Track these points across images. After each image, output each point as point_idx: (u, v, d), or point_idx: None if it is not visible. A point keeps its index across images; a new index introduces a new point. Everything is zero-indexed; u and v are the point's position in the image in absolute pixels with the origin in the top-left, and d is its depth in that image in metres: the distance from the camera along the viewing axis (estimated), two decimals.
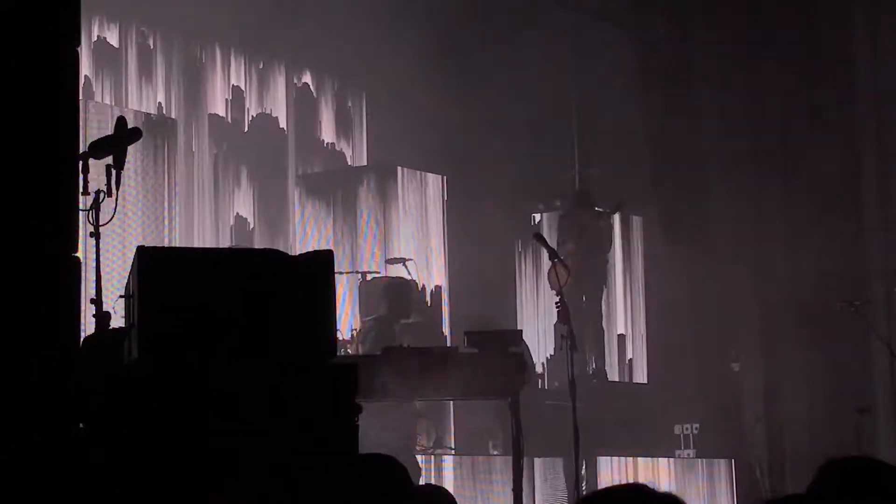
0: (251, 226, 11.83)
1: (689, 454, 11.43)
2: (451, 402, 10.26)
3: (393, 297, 9.08)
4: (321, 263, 4.82)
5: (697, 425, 11.50)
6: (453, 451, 9.78)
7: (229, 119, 11.79)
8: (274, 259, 4.89)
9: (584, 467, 8.25)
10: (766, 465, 11.79)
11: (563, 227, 11.28)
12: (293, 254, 5.32)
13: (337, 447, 4.59)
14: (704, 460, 11.08)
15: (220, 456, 4.41)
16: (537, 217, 12.70)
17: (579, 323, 8.63)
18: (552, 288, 7.83)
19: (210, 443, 4.41)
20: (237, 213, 11.76)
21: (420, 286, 10.87)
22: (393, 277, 10.49)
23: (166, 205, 10.44)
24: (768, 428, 11.92)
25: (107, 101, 10.75)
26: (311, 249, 8.82)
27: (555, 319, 10.42)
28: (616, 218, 12.10)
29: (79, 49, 4.13)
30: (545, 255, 10.21)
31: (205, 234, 11.34)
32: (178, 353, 4.54)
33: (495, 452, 9.97)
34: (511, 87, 12.45)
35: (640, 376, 12.34)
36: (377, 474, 3.80)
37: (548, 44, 12.48)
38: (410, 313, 9.23)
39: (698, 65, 12.30)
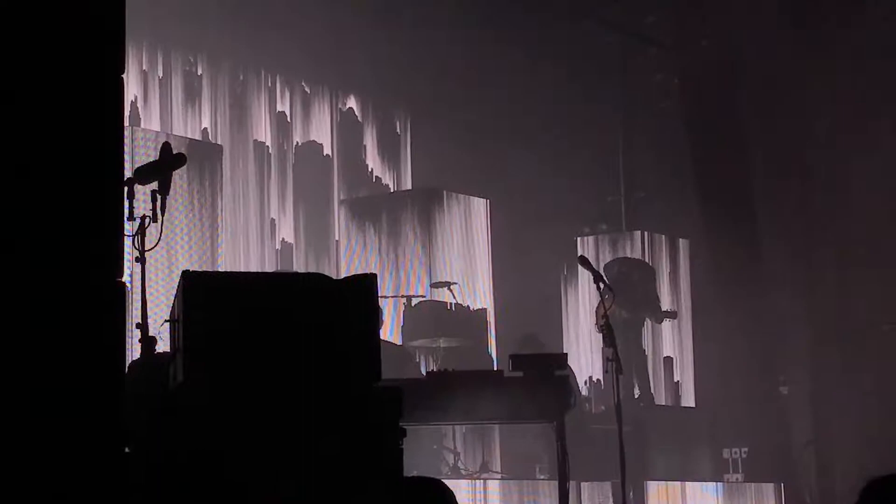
0: (296, 251, 11.88)
1: (737, 478, 11.34)
2: (497, 427, 10.25)
3: None
4: (365, 287, 4.82)
5: (746, 449, 11.41)
6: (500, 476, 9.74)
7: (274, 145, 11.86)
8: (319, 283, 4.90)
9: (631, 492, 8.19)
10: (815, 489, 11.68)
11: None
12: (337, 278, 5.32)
13: (381, 470, 4.59)
14: (753, 485, 10.99)
15: (264, 481, 4.42)
16: (581, 240, 12.66)
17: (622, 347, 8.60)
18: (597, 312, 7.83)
19: (255, 467, 4.41)
20: (282, 239, 11.82)
21: (465, 309, 10.87)
22: (434, 301, 10.52)
23: (211, 230, 10.50)
24: (818, 451, 11.81)
25: (153, 126, 10.85)
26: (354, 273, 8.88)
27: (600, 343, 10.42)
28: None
29: (124, 76, 4.17)
30: (590, 278, 10.25)
31: (250, 259, 11.40)
32: (223, 378, 4.56)
33: (542, 477, 9.93)
34: (556, 111, 12.46)
35: (689, 400, 12.26)
36: (427, 498, 3.80)
37: (594, 66, 12.48)
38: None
39: (745, 86, 12.25)
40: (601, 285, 7.22)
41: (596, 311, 10.32)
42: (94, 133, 4.01)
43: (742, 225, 12.12)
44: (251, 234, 11.54)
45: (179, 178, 9.33)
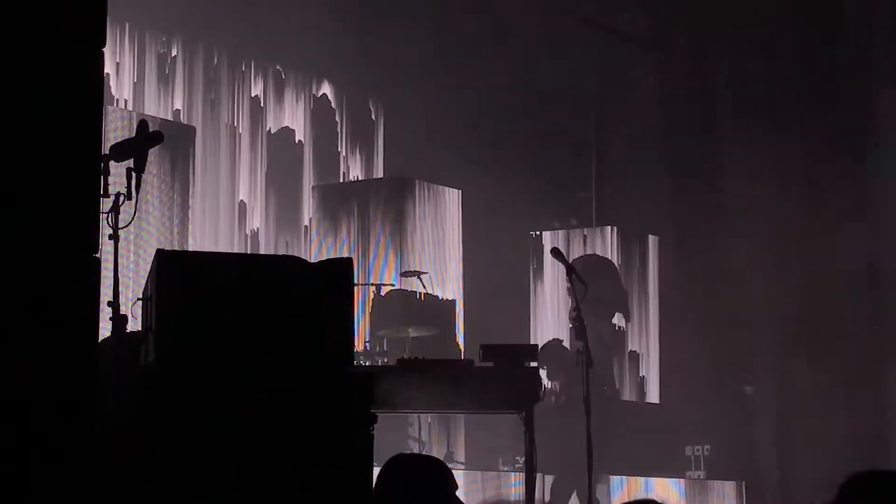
0: (266, 236, 11.83)
1: (699, 475, 11.37)
2: (463, 417, 10.24)
3: None
4: (340, 272, 4.78)
5: (709, 447, 11.45)
6: (463, 467, 9.74)
7: (247, 129, 11.80)
8: (293, 266, 4.86)
9: (595, 486, 8.19)
10: (776, 488, 11.73)
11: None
12: None
13: (352, 456, 4.57)
14: (715, 482, 11.02)
15: (233, 463, 4.38)
16: (551, 235, 12.66)
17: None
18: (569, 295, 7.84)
19: (224, 449, 4.38)
20: (252, 223, 11.76)
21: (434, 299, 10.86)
22: (403, 290, 10.51)
23: (181, 212, 10.44)
24: (780, 450, 11.86)
25: (124, 105, 10.77)
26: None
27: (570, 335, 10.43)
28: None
29: (103, 50, 4.11)
30: (560, 270, 10.25)
31: (219, 242, 11.34)
32: (194, 358, 4.51)
33: (504, 468, 9.94)
34: (530, 104, 12.45)
35: (653, 396, 12.29)
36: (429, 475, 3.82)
37: (570, 62, 12.47)
38: None
39: (719, 84, 12.27)
40: (573, 278, 7.21)
41: (570, 305, 10.31)
42: (73, 107, 3.96)
43: (712, 222, 12.15)
44: (221, 216, 11.48)
45: (149, 158, 9.25)
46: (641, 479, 10.28)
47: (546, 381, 8.99)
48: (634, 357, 12.25)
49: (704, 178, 12.29)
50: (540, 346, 8.19)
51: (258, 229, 11.81)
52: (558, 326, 11.91)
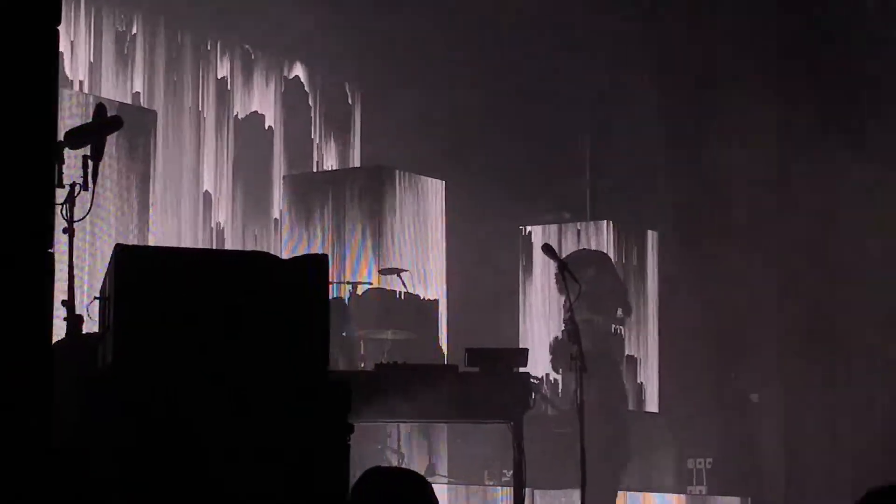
0: (232, 229, 11.82)
1: (700, 490, 11.41)
2: (446, 427, 10.26)
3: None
4: (315, 269, 4.78)
5: (711, 460, 11.49)
6: (447, 480, 9.76)
7: (212, 114, 11.79)
8: (263, 262, 4.86)
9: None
10: None
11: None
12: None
13: (326, 469, 4.58)
14: (718, 498, 11.06)
15: (196, 474, 4.39)
16: (543, 229, 12.68)
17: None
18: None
19: (188, 458, 4.38)
20: (218, 216, 11.75)
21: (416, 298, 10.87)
22: (382, 289, 10.52)
23: (140, 202, 10.43)
24: (788, 464, 11.91)
25: (80, 88, 10.75)
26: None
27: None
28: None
29: (59, 28, 4.11)
30: (551, 268, 10.26)
31: (182, 236, 11.33)
32: (155, 361, 4.52)
33: (490, 483, 9.95)
34: (521, 89, 12.46)
35: (652, 404, 12.33)
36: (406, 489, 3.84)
37: (563, 44, 12.48)
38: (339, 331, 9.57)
39: (724, 72, 12.30)
40: (566, 276, 7.23)
41: (563, 306, 10.34)
42: (25, 90, 3.95)
43: (717, 218, 12.18)
44: (184, 208, 11.47)
45: (107, 144, 9.24)
46: (639, 495, 10.31)
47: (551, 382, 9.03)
48: (632, 362, 12.28)
49: (711, 171, 12.30)
50: (550, 344, 8.24)
51: (224, 222, 11.79)
52: (549, 329, 11.93)
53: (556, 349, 9.66)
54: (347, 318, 9.71)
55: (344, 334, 9.67)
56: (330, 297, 9.94)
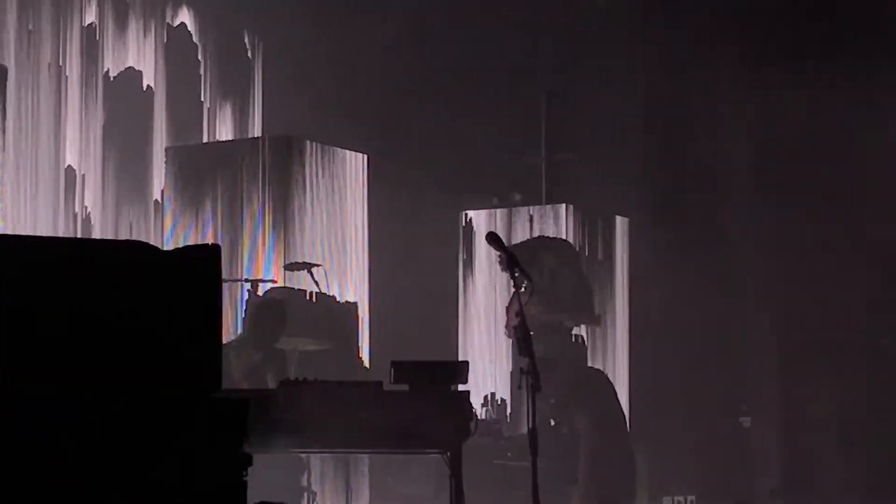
0: (102, 212, 11.79)
1: None
2: (367, 458, 10.29)
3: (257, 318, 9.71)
4: (205, 263, 4.78)
5: (693, 498, 11.60)
6: None
7: (77, 70, 11.74)
8: (143, 255, 4.84)
9: None
10: None
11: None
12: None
13: None
14: None
15: (57, 494, 4.39)
16: (488, 214, 12.75)
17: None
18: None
19: (45, 490, 4.38)
20: (84, 196, 11.72)
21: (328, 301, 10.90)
22: (289, 289, 10.53)
23: None
24: (787, 502, 12.04)
25: None
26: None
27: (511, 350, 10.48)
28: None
29: None
30: (497, 262, 10.30)
31: (38, 221, 11.29)
32: (10, 373, 4.51)
33: None
34: (465, 47, 12.49)
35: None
36: None
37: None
38: (277, 338, 9.72)
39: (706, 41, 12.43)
40: (516, 272, 7.25)
41: (508, 308, 10.39)
42: None
43: (700, 204, 12.28)
44: (42, 187, 11.43)
45: None
46: None
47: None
48: None
49: (693, 147, 12.40)
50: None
51: (92, 206, 11.76)
52: (495, 338, 11.98)
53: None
54: (283, 327, 9.76)
55: (280, 347, 9.74)
56: (266, 300, 10.04)
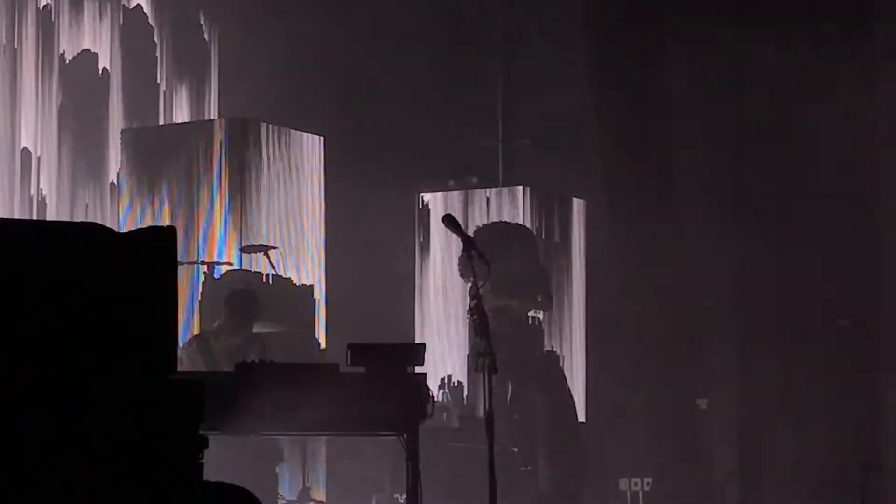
0: (57, 195, 11.75)
1: None
2: (325, 441, 10.28)
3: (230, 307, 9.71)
4: (160, 245, 4.77)
5: (650, 480, 11.62)
6: None
7: (31, 52, 11.69)
8: (97, 236, 4.83)
9: None
10: None
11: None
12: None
13: (173, 492, 4.57)
14: None
15: (10, 496, 4.37)
16: (444, 196, 12.73)
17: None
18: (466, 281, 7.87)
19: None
20: (39, 178, 11.67)
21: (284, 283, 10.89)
22: (245, 272, 10.52)
23: None
24: (743, 483, 12.07)
25: None
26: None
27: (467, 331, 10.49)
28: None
29: None
30: (454, 244, 10.30)
31: None
32: None
33: None
34: (418, 28, 12.48)
35: (578, 412, 12.44)
36: None
37: None
38: (252, 324, 9.71)
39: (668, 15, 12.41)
40: (473, 255, 7.25)
41: (469, 292, 10.36)
42: None
43: (657, 186, 12.28)
44: None
45: None
46: None
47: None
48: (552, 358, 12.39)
49: (649, 127, 12.39)
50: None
51: (47, 188, 11.72)
52: (452, 320, 11.99)
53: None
54: (256, 313, 9.76)
55: (254, 331, 9.75)
56: (240, 288, 10.04)
